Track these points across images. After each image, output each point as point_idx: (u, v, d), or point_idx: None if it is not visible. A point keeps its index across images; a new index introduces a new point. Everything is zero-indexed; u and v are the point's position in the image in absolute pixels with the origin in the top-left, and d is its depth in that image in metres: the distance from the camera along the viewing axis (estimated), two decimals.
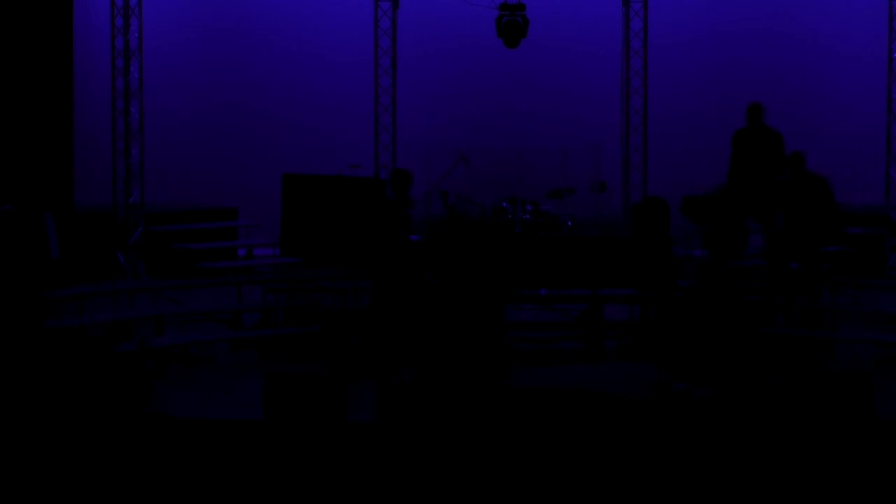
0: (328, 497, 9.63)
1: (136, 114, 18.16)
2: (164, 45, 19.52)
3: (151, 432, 10.16)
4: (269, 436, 10.10)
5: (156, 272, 17.75)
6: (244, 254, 18.47)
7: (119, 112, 18.09)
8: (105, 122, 18.29)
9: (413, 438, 10.10)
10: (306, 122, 20.00)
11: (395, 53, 19.14)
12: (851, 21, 19.54)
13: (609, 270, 14.16)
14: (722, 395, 10.70)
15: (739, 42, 19.79)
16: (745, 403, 10.53)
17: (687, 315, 12.57)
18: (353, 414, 10.65)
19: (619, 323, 14.62)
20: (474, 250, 13.13)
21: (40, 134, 16.45)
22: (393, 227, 13.66)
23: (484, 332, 12.86)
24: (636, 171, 19.02)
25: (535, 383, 12.75)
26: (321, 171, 15.52)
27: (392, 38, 19.12)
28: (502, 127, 19.89)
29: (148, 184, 18.33)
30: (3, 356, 11.89)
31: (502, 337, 13.27)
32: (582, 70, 19.88)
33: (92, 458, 9.85)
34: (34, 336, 12.89)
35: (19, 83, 16.28)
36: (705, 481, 9.67)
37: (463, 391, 12.01)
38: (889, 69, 17.75)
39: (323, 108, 20.02)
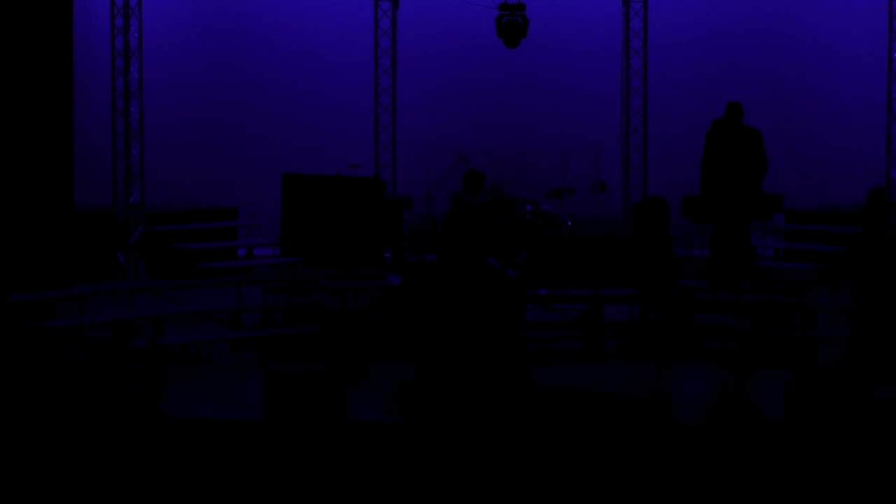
0: (328, 497, 9.63)
1: (136, 114, 18.17)
2: (164, 45, 19.53)
3: (151, 432, 10.16)
4: (269, 436, 10.10)
5: (156, 272, 17.75)
6: (244, 254, 18.48)
7: (119, 112, 18.09)
8: (105, 122, 18.30)
9: (426, 437, 10.11)
10: (306, 122, 20.00)
11: (395, 53, 19.15)
12: (851, 21, 19.55)
13: (609, 270, 14.15)
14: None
15: (739, 42, 19.79)
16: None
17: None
18: (353, 414, 10.64)
19: (619, 323, 14.62)
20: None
21: (40, 134, 16.44)
22: (477, 232, 13.47)
23: (507, 332, 12.84)
24: (636, 171, 19.03)
25: (535, 383, 12.75)
26: (321, 171, 15.52)
27: (392, 38, 19.13)
28: (502, 127, 19.90)
29: (148, 184, 18.34)
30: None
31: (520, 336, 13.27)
32: (582, 70, 19.88)
33: (92, 457, 9.85)
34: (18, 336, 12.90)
35: (19, 83, 16.26)
36: (705, 480, 9.67)
37: (481, 391, 12.01)
38: (889, 69, 17.76)
39: (323, 108, 20.02)
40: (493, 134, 19.66)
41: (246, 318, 14.95)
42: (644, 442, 10.08)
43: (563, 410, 10.84)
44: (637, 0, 18.87)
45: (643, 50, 18.87)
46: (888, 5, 17.81)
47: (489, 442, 10.01)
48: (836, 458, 9.80)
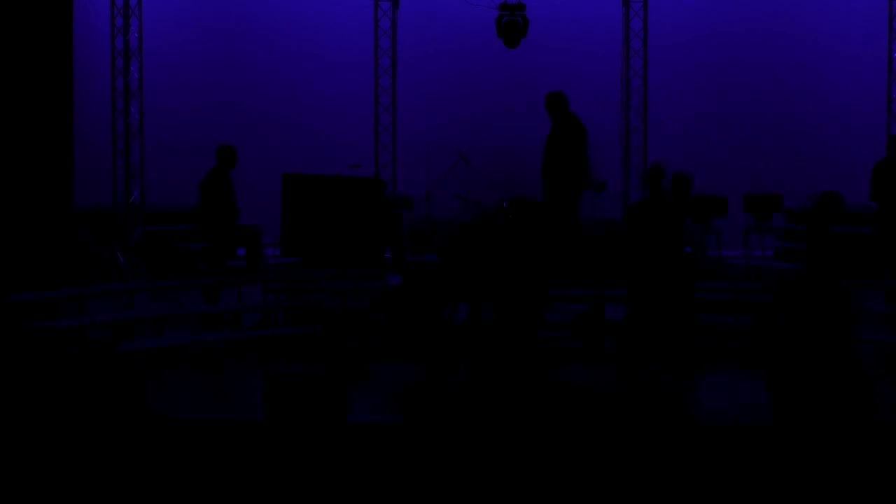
0: (328, 497, 9.63)
1: (136, 114, 18.17)
2: (164, 45, 19.53)
3: (151, 432, 10.16)
4: (269, 436, 10.10)
5: (156, 272, 17.75)
6: (244, 253, 18.44)
7: (119, 112, 18.10)
8: (105, 122, 18.30)
9: (426, 437, 10.11)
10: (306, 122, 20.00)
11: (395, 53, 19.15)
12: (851, 21, 19.56)
13: (609, 270, 14.14)
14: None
15: (739, 42, 19.80)
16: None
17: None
18: (353, 414, 10.65)
19: (619, 323, 14.61)
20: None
21: (40, 134, 16.43)
22: (675, 238, 13.40)
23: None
24: (636, 171, 19.04)
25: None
26: (321, 171, 15.53)
27: (392, 38, 19.14)
28: (502, 127, 19.90)
29: (148, 184, 18.34)
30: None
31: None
32: (582, 70, 19.89)
33: (91, 458, 9.85)
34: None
35: (19, 83, 16.26)
36: (705, 481, 9.67)
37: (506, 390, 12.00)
38: (889, 69, 17.77)
39: (323, 108, 20.02)
40: (493, 134, 19.67)
41: (246, 318, 14.95)
42: (641, 442, 10.08)
43: (562, 410, 10.84)
44: (637, 0, 18.87)
45: (643, 50, 18.88)
46: (888, 5, 17.82)
47: (488, 442, 10.01)
48: (834, 456, 9.80)
